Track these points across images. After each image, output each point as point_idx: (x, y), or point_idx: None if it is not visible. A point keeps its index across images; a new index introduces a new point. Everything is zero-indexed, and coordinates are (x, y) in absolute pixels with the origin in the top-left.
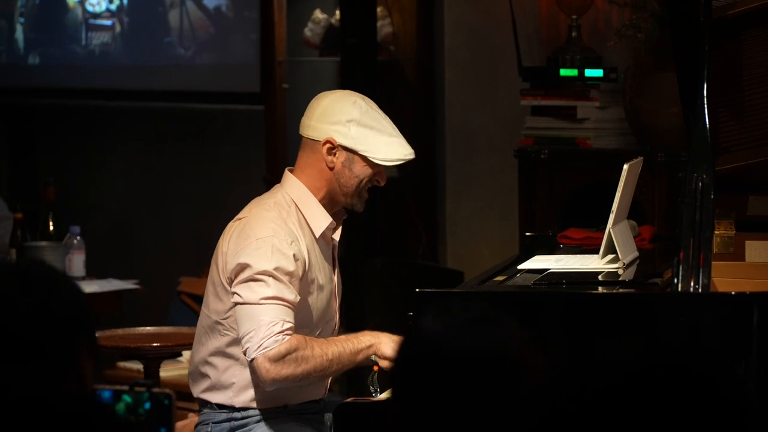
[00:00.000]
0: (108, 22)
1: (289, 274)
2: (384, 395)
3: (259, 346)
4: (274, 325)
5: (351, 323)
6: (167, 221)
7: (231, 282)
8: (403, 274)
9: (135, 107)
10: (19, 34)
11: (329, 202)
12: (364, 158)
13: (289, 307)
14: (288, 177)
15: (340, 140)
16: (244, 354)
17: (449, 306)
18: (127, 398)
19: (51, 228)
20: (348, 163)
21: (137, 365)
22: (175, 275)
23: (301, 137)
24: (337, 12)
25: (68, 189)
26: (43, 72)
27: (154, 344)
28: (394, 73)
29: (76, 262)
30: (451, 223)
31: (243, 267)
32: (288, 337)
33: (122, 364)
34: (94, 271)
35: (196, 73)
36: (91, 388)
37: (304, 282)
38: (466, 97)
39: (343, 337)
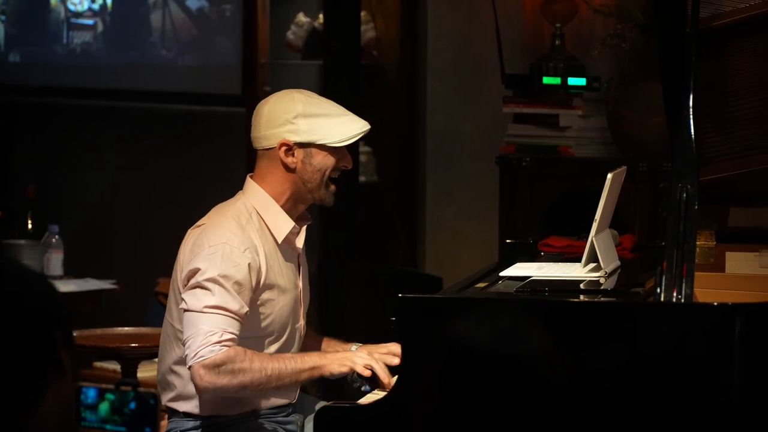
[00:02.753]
0: (90, 22)
1: (238, 283)
2: (366, 399)
3: (195, 354)
4: (212, 335)
5: (331, 326)
6: (146, 222)
7: (185, 287)
8: (382, 278)
9: (116, 107)
10: (0, 31)
11: (294, 205)
12: (322, 147)
13: (232, 317)
14: (249, 184)
15: (294, 138)
16: (185, 359)
17: (433, 311)
18: (111, 397)
19: (30, 227)
20: (308, 159)
21: (114, 365)
22: (154, 276)
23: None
24: (321, 15)
25: (48, 188)
26: (24, 70)
27: (132, 345)
28: (376, 78)
29: (54, 261)
30: (432, 229)
31: (193, 273)
32: (226, 348)
33: (99, 364)
34: (72, 271)
35: (178, 74)
36: (71, 382)
37: (262, 289)
38: (448, 104)
39: (288, 354)
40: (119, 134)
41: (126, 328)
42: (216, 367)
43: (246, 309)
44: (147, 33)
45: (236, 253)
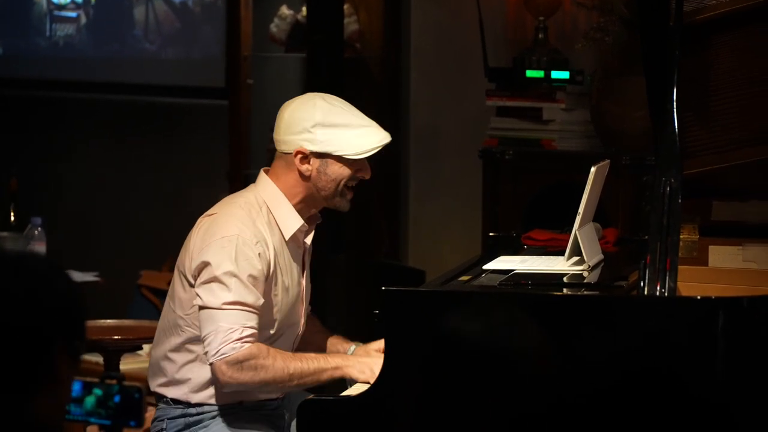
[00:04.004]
0: (73, 14)
1: (252, 275)
2: (348, 392)
3: (216, 352)
4: (233, 332)
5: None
6: (129, 214)
7: (195, 279)
8: (365, 272)
9: (99, 100)
10: None
11: (306, 207)
12: (339, 158)
13: (250, 311)
14: (262, 178)
15: (310, 147)
16: (205, 356)
17: (417, 304)
18: (98, 391)
19: (12, 219)
20: (323, 168)
21: (97, 357)
22: (137, 268)
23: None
24: (304, 8)
25: (31, 180)
26: (7, 63)
27: (115, 337)
28: (359, 71)
29: None
30: (415, 223)
31: (205, 265)
32: (247, 344)
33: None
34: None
35: (161, 67)
36: (66, 391)
37: (268, 283)
38: (431, 97)
39: (311, 354)
40: (102, 127)
41: (108, 321)
42: (238, 363)
43: (262, 300)
44: (130, 26)
45: (249, 245)
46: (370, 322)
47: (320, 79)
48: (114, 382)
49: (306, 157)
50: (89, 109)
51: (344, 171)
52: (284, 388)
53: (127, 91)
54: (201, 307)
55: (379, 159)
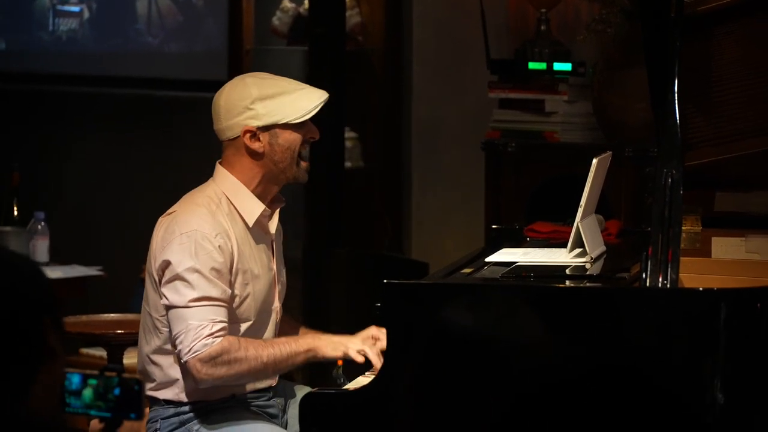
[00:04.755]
0: (76, 9)
1: (215, 269)
2: (351, 385)
3: (189, 350)
4: (203, 328)
5: (315, 313)
6: (132, 208)
7: (160, 279)
8: (367, 264)
9: (102, 94)
10: None
11: (267, 187)
12: (285, 125)
13: (217, 305)
14: (219, 170)
15: (255, 123)
16: (178, 356)
17: (418, 297)
18: (94, 383)
19: (15, 213)
20: (274, 140)
21: (100, 352)
22: (139, 262)
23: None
24: (306, 1)
25: (34, 175)
26: (10, 57)
27: (118, 331)
28: (361, 64)
29: (40, 248)
30: (417, 215)
31: (167, 264)
32: (219, 338)
33: (85, 350)
34: (58, 257)
35: (164, 61)
36: (62, 366)
37: (235, 273)
38: (433, 89)
39: (282, 339)
40: (105, 121)
41: (112, 315)
42: (212, 359)
43: (229, 291)
44: (133, 20)
45: (208, 239)
46: (372, 316)
47: (322, 72)
48: (113, 374)
49: (254, 134)
50: (92, 104)
51: (294, 136)
52: (260, 378)
53: (130, 85)
54: (168, 307)
55: (381, 152)
